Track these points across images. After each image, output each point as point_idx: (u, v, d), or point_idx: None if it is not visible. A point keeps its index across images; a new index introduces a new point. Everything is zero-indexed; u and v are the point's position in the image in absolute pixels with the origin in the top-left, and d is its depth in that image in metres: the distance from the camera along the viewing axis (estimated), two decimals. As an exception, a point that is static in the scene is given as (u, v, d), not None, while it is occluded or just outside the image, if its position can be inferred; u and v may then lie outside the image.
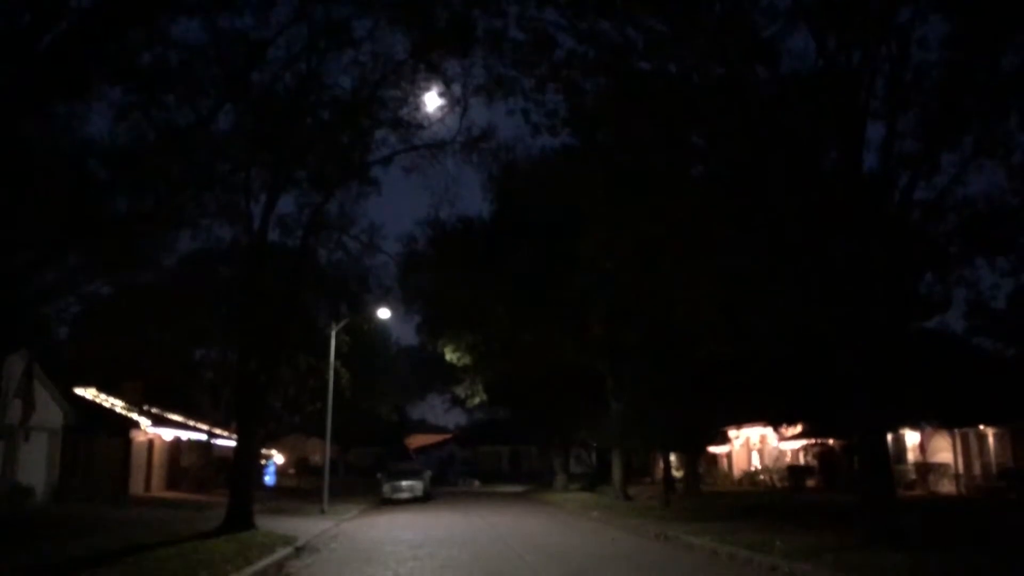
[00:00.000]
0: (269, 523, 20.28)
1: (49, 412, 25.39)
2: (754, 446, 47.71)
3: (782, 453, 43.67)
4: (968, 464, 32.29)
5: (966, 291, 22.07)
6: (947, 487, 31.89)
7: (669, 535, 19.73)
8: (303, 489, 42.24)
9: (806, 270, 16.80)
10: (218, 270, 32.55)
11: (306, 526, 21.57)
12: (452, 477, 63.82)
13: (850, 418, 17.71)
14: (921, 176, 16.56)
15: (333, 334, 28.75)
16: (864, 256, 16.15)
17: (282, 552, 15.69)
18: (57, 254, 20.30)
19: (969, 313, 34.09)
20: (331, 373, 29.00)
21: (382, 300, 31.64)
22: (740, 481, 45.63)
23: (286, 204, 68.71)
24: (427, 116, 21.17)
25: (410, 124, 21.23)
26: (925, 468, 33.34)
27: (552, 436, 48.47)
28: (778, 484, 40.12)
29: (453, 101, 20.91)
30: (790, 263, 17.09)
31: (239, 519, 18.93)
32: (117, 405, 32.76)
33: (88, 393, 32.38)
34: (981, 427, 31.63)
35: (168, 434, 35.22)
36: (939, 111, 16.27)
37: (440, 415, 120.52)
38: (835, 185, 16.52)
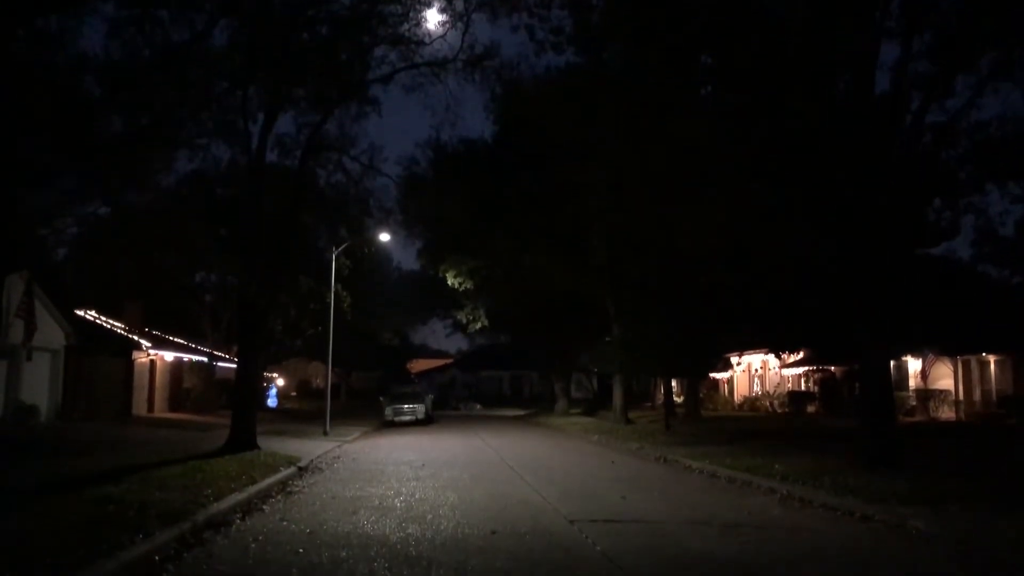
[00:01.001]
0: (272, 444, 20.41)
1: (51, 332, 25.42)
2: (755, 372, 47.97)
3: (783, 379, 43.91)
4: (969, 391, 32.44)
5: (974, 218, 21.84)
6: (947, 413, 32.10)
7: (669, 458, 19.86)
8: (305, 412, 42.62)
9: (814, 195, 16.51)
10: (216, 192, 32.21)
11: (309, 447, 21.72)
12: (453, 401, 64.39)
13: (852, 345, 17.64)
14: (934, 99, 16.14)
15: (333, 257, 28.57)
16: (873, 181, 15.84)
17: (286, 472, 15.78)
18: (52, 175, 20.01)
19: (976, 240, 33.83)
20: (332, 296, 28.92)
21: (382, 224, 31.35)
22: (741, 406, 46.01)
23: (284, 124, 68.05)
24: (428, 33, 20.57)
25: (410, 41, 20.64)
26: (926, 395, 33.50)
27: (553, 361, 48.70)
28: (779, 410, 40.42)
29: (455, 17, 20.32)
30: (798, 187, 16.79)
31: (242, 440, 19.03)
32: (118, 327, 32.83)
33: (89, 314, 32.41)
34: (983, 355, 31.68)
35: (169, 356, 35.39)
36: (956, 31, 15.75)
37: (441, 340, 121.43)
38: (847, 108, 16.11)
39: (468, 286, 38.65)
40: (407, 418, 37.64)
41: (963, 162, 18.32)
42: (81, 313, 31.38)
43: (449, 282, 38.90)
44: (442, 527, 10.02)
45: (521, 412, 52.76)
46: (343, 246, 29.42)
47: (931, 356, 33.61)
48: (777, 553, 8.64)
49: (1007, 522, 9.61)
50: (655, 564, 7.96)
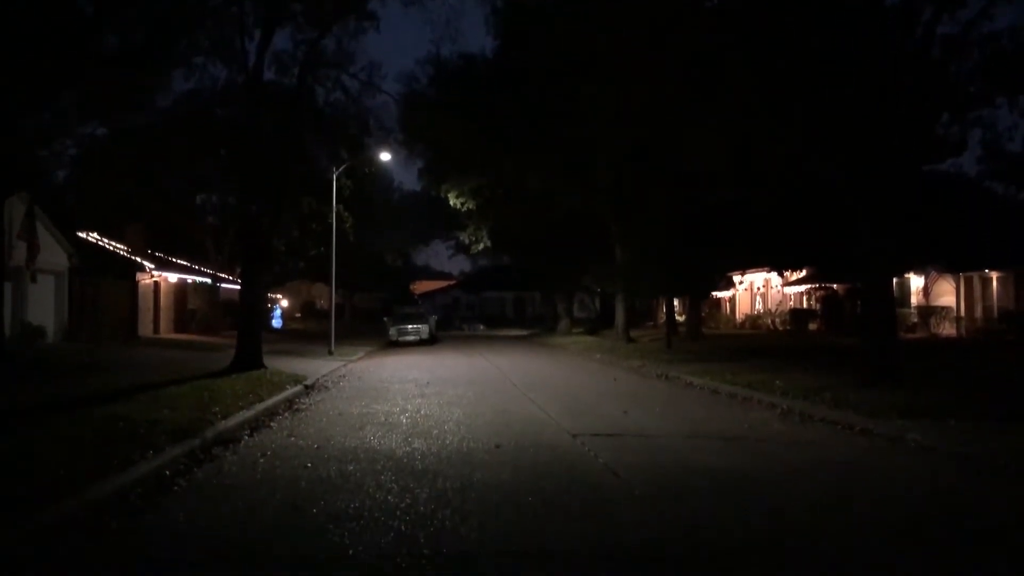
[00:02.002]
0: (277, 364, 20.61)
1: (53, 254, 25.42)
2: (758, 290, 48.08)
3: (785, 297, 44.03)
4: (970, 307, 32.55)
5: (983, 132, 21.49)
6: (948, 330, 32.28)
7: (670, 375, 20.06)
8: (310, 332, 42.95)
9: (822, 109, 16.25)
10: (215, 111, 31.79)
11: (314, 367, 21.94)
12: (457, 322, 64.84)
13: (856, 262, 17.62)
14: (945, 9, 15.75)
15: (334, 177, 28.37)
16: (882, 95, 15.57)
17: (292, 390, 15.96)
18: (48, 95, 19.71)
19: (984, 156, 33.49)
20: (333, 217, 28.82)
21: (383, 143, 31.04)
22: (743, 325, 46.27)
23: (282, 41, 66.71)
24: (426, -58, 19.98)
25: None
26: (927, 311, 33.64)
27: (556, 282, 48.81)
28: (780, 327, 40.63)
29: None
30: (806, 101, 16.51)
31: (248, 359, 19.22)
32: (121, 249, 32.84)
33: (91, 237, 32.39)
34: (986, 271, 31.68)
35: (173, 277, 35.49)
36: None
37: (444, 261, 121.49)
38: (857, 19, 15.73)
39: (470, 206, 38.48)
40: (411, 338, 37.93)
41: (973, 75, 17.95)
42: (83, 235, 31.36)
43: (451, 202, 38.71)
44: (447, 442, 10.17)
45: (524, 332, 53.16)
46: (343, 166, 29.18)
47: (934, 273, 33.63)
48: (776, 465, 8.78)
49: (1005, 434, 9.74)
50: (656, 476, 8.09)
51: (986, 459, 8.75)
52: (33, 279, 23.16)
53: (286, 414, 13.20)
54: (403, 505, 6.86)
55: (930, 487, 7.89)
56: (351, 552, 5.56)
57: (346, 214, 29.83)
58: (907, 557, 5.57)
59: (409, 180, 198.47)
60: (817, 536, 6.08)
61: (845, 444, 10.24)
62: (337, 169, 28.72)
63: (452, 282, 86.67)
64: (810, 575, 5.16)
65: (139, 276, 31.36)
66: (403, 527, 6.18)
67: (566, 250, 41.59)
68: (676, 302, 38.39)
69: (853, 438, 10.66)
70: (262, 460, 9.04)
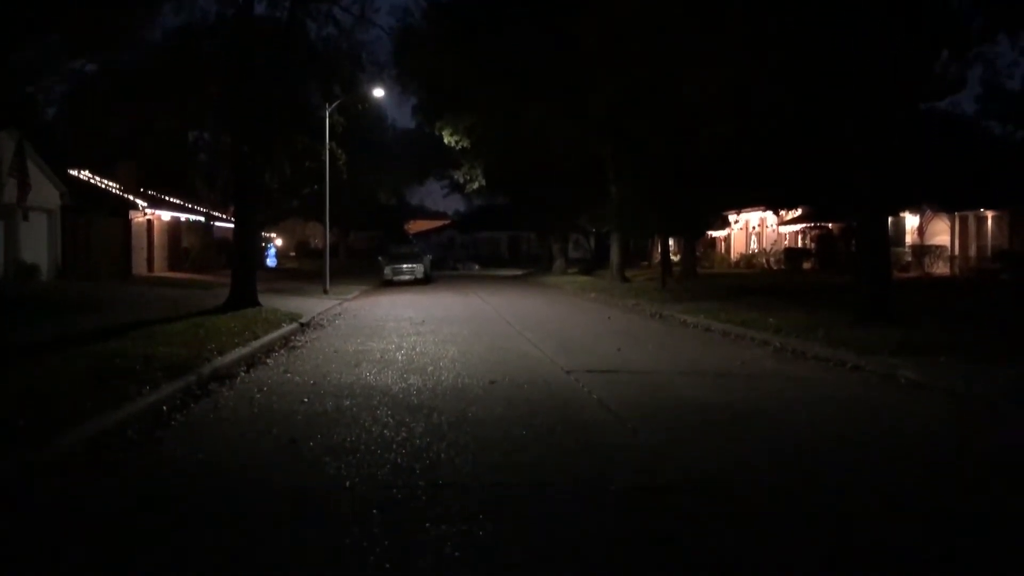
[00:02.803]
0: (273, 302, 20.63)
1: (45, 192, 25.23)
2: (753, 230, 48.04)
3: (780, 236, 44.04)
4: (964, 247, 32.62)
5: (982, 70, 21.25)
6: (942, 269, 32.38)
7: (664, 314, 20.14)
8: (304, 271, 42.92)
9: (820, 45, 16.03)
10: (205, 47, 31.19)
11: (309, 305, 21.98)
12: (451, 262, 64.76)
13: (851, 200, 17.56)
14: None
15: (327, 114, 28.03)
16: (881, 30, 15.34)
17: (288, 328, 16.00)
18: (35, 31, 19.33)
19: (982, 95, 33.21)
20: (327, 154, 28.55)
21: (376, 79, 30.60)
22: (737, 264, 46.32)
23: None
24: None
25: None
26: (922, 250, 33.70)
27: (551, 222, 48.66)
28: (775, 267, 40.70)
29: None
30: (804, 36, 16.28)
31: (243, 297, 19.21)
32: (113, 187, 32.60)
33: (83, 174, 32.11)
34: (981, 210, 31.67)
35: (166, 215, 35.35)
36: None
37: (439, 201, 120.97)
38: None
39: (465, 144, 38.08)
40: (406, 277, 37.93)
41: (974, 10, 17.68)
42: (75, 173, 31.08)
43: (446, 140, 38.30)
44: (443, 378, 10.24)
45: (519, 272, 53.16)
46: (336, 103, 28.80)
47: (929, 212, 33.61)
48: (768, 400, 8.87)
49: (996, 372, 9.83)
50: (649, 411, 8.17)
51: (977, 395, 8.85)
52: (25, 217, 23.04)
53: (282, 351, 13.26)
54: (399, 439, 6.93)
55: (920, 422, 7.98)
56: (348, 484, 5.63)
57: (340, 151, 29.47)
58: (894, 488, 5.65)
59: (403, 118, 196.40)
60: (807, 468, 6.16)
61: (837, 381, 10.33)
62: (330, 106, 28.36)
63: (447, 222, 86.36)
64: (799, 506, 5.23)
65: (132, 214, 31.20)
66: (399, 460, 6.25)
67: (562, 189, 41.36)
68: (671, 242, 38.39)
69: (845, 375, 10.76)
70: (258, 396, 9.11)
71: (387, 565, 4.16)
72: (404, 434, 7.10)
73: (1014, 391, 8.76)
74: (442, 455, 6.38)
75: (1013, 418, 8.13)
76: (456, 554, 4.32)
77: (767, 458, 6.41)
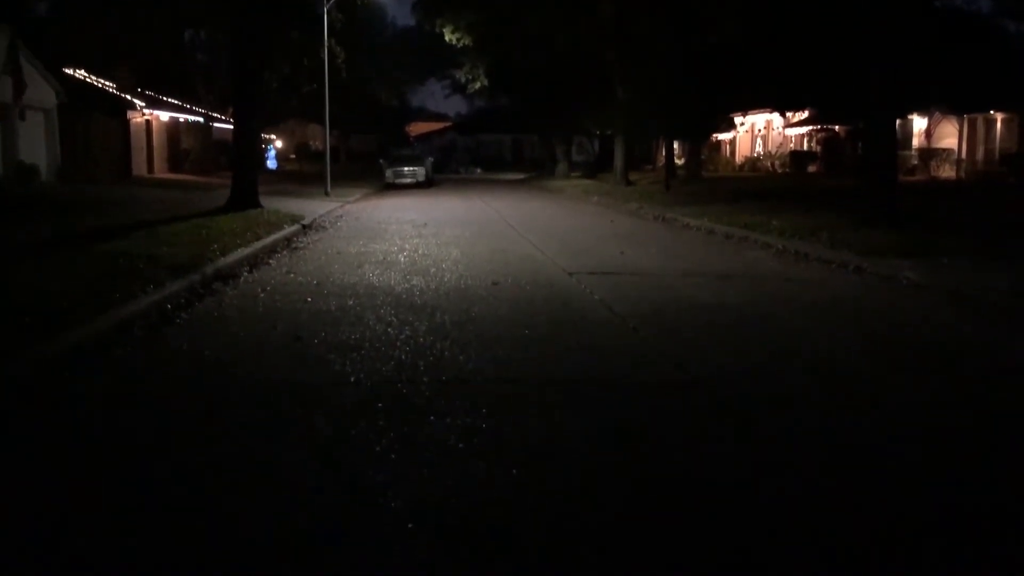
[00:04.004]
0: (274, 204, 20.52)
1: (40, 91, 24.78)
2: (759, 133, 47.48)
3: (786, 139, 43.53)
4: (972, 150, 32.27)
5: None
6: (948, 172, 32.10)
7: (668, 217, 20.08)
8: (305, 174, 42.61)
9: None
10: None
11: (311, 207, 21.89)
12: (453, 165, 64.20)
13: (859, 101, 17.27)
14: None
15: (325, 10, 27.34)
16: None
17: (290, 229, 15.98)
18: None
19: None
20: (325, 52, 27.95)
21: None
22: (742, 167, 45.94)
23: None
24: None
25: None
26: (928, 154, 33.34)
27: (555, 124, 47.95)
28: (779, 170, 40.38)
29: None
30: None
31: (244, 199, 19.11)
32: (110, 86, 32.05)
33: (79, 74, 31.52)
34: (991, 112, 31.18)
35: (165, 116, 34.88)
36: None
37: (440, 102, 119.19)
38: None
39: (466, 42, 37.20)
40: (407, 180, 37.65)
41: None
42: (70, 72, 30.50)
43: (447, 38, 37.38)
44: (445, 279, 10.27)
45: (521, 176, 52.79)
46: (334, -1, 28.07)
47: (938, 115, 33.11)
48: (769, 300, 8.91)
49: (998, 274, 9.83)
50: (651, 311, 8.21)
51: (977, 296, 8.87)
52: (21, 116, 22.72)
53: (284, 252, 13.27)
54: (403, 337, 6.99)
55: (919, 321, 8.03)
56: (353, 379, 5.70)
57: (339, 49, 28.83)
58: (891, 386, 5.73)
59: (403, 15, 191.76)
60: (805, 366, 6.23)
61: (839, 282, 10.36)
62: (328, 1, 27.64)
63: (448, 124, 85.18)
64: (796, 404, 5.30)
65: (130, 114, 30.77)
66: (403, 356, 6.32)
67: (566, 91, 40.57)
68: (675, 145, 37.94)
69: (847, 276, 10.78)
70: (262, 295, 9.15)
71: (392, 456, 4.25)
72: (407, 332, 7.16)
73: (1016, 293, 8.78)
74: (446, 353, 6.45)
75: (1016, 319, 8.17)
76: (460, 446, 4.40)
77: (767, 357, 6.48)
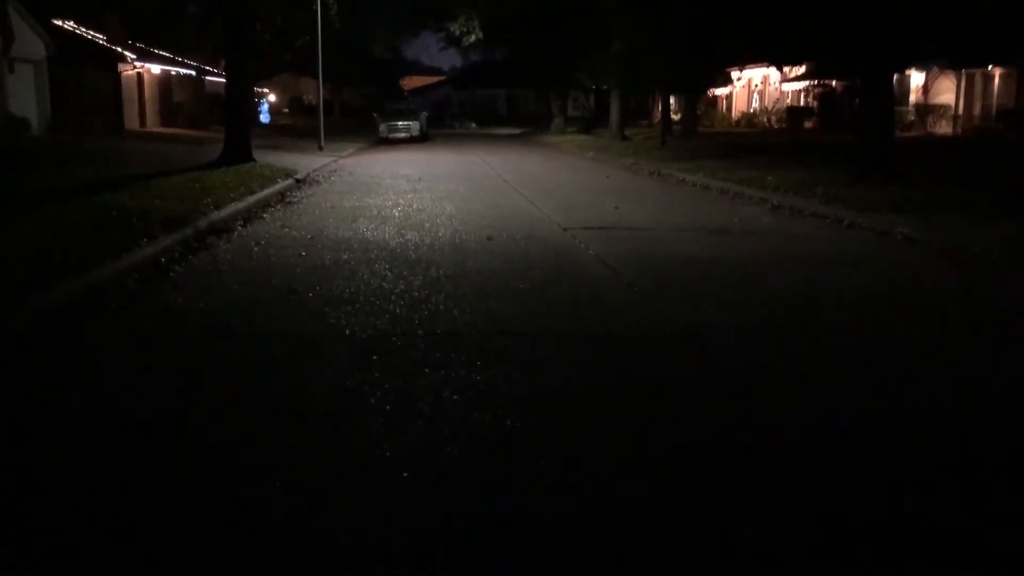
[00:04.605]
0: (267, 158, 20.39)
1: (29, 42, 24.41)
2: (755, 88, 47.12)
3: (782, 95, 43.24)
4: (969, 106, 32.07)
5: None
6: (944, 128, 31.96)
7: (663, 172, 20.02)
8: (298, 128, 42.25)
9: None
10: None
11: (304, 162, 21.75)
12: (448, 119, 63.66)
13: (857, 55, 17.11)
14: None
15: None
16: None
17: (283, 183, 15.89)
18: None
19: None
20: (318, 3, 27.55)
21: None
22: (738, 123, 45.67)
23: None
24: None
25: None
26: (925, 110, 33.16)
27: (550, 78, 47.47)
28: (776, 126, 40.18)
29: None
30: None
31: (237, 153, 18.96)
32: (100, 38, 31.60)
33: (68, 25, 31.05)
34: (989, 68, 30.93)
35: (156, 68, 34.45)
36: None
37: (435, 56, 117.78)
38: None
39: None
40: (402, 135, 37.39)
41: None
42: (59, 23, 30.04)
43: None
44: (440, 234, 10.25)
45: (517, 131, 52.41)
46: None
47: (936, 69, 32.84)
48: (763, 255, 8.93)
49: (992, 229, 9.85)
50: (645, 266, 8.23)
51: (971, 252, 8.90)
52: (10, 69, 22.42)
53: (278, 206, 13.23)
54: (397, 291, 7.00)
55: (912, 276, 8.06)
56: (348, 332, 5.72)
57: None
58: (885, 338, 5.77)
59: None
60: (799, 321, 6.26)
61: (833, 237, 10.38)
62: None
63: (443, 78, 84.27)
64: (790, 358, 5.34)
65: (121, 67, 30.39)
66: (398, 310, 6.34)
67: (562, 44, 40.12)
68: (672, 100, 37.64)
69: (841, 231, 10.79)
70: (256, 249, 9.14)
71: (387, 407, 4.28)
72: (402, 287, 7.16)
73: (1007, 247, 8.81)
74: (440, 307, 6.46)
75: (1005, 273, 8.21)
76: (454, 397, 4.44)
77: (759, 310, 6.51)
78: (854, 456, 3.75)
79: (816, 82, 38.66)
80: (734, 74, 46.22)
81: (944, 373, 5.04)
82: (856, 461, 3.69)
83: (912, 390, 4.70)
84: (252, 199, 13.00)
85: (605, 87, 41.00)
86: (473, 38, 42.35)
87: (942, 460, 3.75)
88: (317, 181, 17.91)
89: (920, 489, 3.43)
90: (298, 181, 17.02)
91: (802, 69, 39.96)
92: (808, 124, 38.01)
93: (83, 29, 31.80)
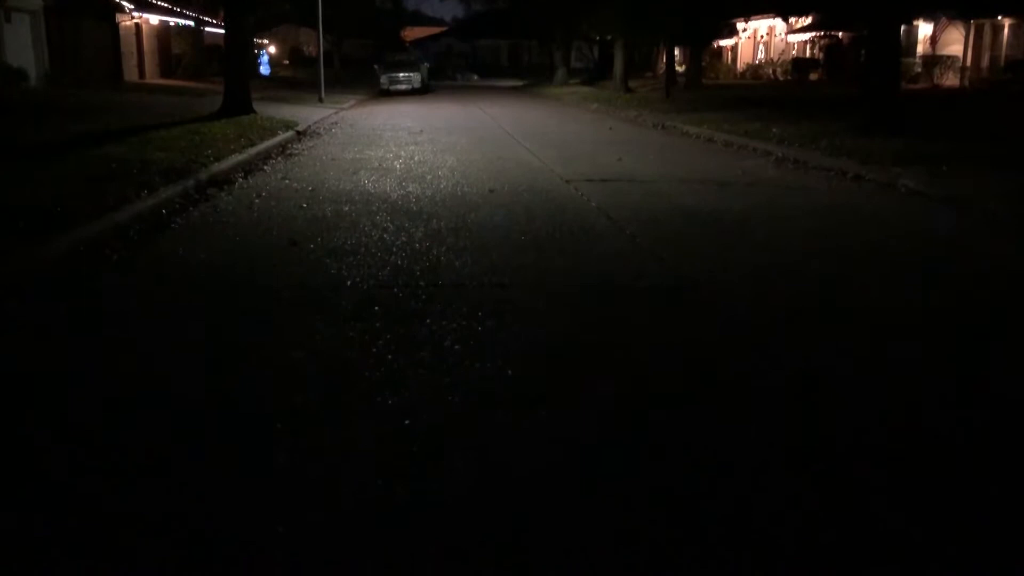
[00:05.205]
0: (267, 110, 20.24)
1: (23, -8, 24.14)
2: (761, 39, 46.58)
3: (788, 46, 42.73)
4: (977, 57, 31.69)
5: None
6: (951, 80, 31.62)
7: (667, 125, 19.86)
8: (298, 80, 41.88)
9: None
10: None
11: (305, 113, 21.60)
12: (450, 71, 63.06)
13: (863, 4, 16.85)
14: None
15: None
16: None
17: (284, 135, 15.79)
18: None
19: None
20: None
21: None
22: (743, 75, 45.22)
23: None
24: None
25: None
26: (932, 61, 32.77)
27: (553, 29, 46.88)
28: (781, 78, 39.78)
29: None
30: None
31: (237, 105, 18.81)
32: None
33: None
34: (999, 18, 30.49)
35: (155, 19, 34.03)
36: None
37: (436, 6, 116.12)
38: None
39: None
40: (403, 87, 37.07)
41: None
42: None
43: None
44: (441, 186, 10.21)
45: (519, 83, 51.94)
46: None
47: (943, 20, 32.39)
48: (766, 207, 8.89)
49: (998, 181, 9.79)
50: (648, 218, 8.20)
51: (976, 205, 8.85)
52: (7, 18, 22.15)
53: (279, 158, 13.16)
54: (399, 243, 6.99)
55: (914, 227, 8.02)
56: (349, 283, 5.72)
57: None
58: (884, 290, 5.76)
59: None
60: (800, 272, 6.24)
61: (837, 189, 10.32)
62: None
63: (444, 29, 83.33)
64: (790, 308, 5.34)
65: (119, 17, 30.03)
66: (399, 262, 6.33)
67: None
68: (676, 52, 37.18)
69: (845, 184, 10.73)
70: (257, 201, 9.11)
71: (389, 356, 4.30)
72: (404, 238, 7.15)
73: (1012, 200, 8.75)
74: (442, 258, 6.45)
75: (1009, 225, 8.17)
76: (456, 347, 4.45)
77: (762, 262, 6.49)
78: (843, 389, 3.77)
79: (822, 33, 38.16)
80: (739, 25, 45.63)
81: (939, 321, 5.04)
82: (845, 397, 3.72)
83: (902, 338, 4.71)
84: (252, 151, 12.92)
85: (609, 38, 40.51)
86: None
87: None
88: (318, 133, 17.79)
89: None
90: (299, 133, 16.91)
91: (808, 20, 39.43)
92: (814, 76, 37.63)
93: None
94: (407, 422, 3.51)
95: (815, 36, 39.44)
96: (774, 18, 41.73)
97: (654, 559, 2.59)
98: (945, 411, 3.74)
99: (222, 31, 23.59)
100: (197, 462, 3.20)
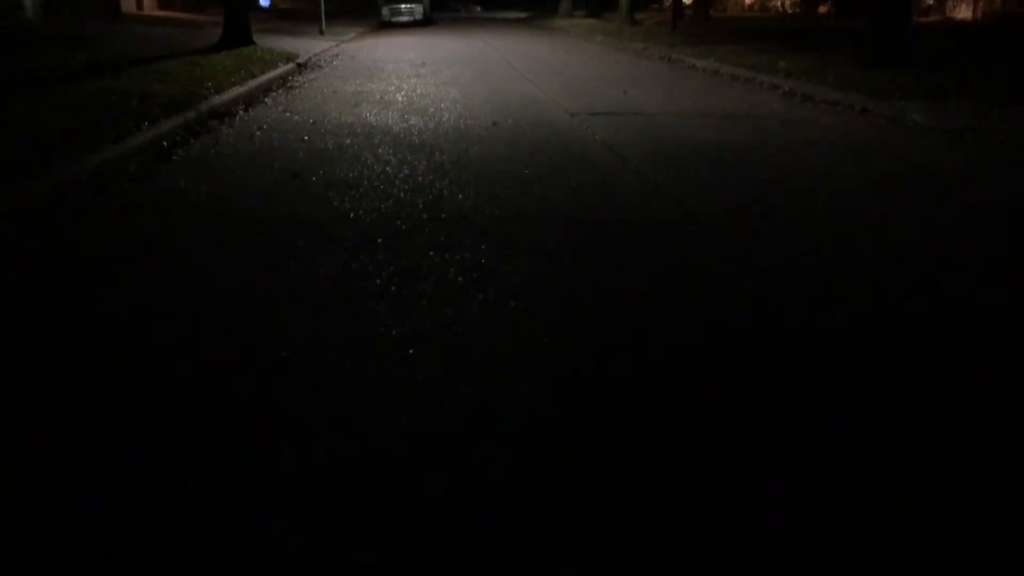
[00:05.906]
0: (268, 42, 19.93)
1: (18, -81, 23.59)
2: (769, -29, 45.53)
3: (797, -22, 41.80)
4: (991, -11, 31.01)
5: None
6: (964, 13, 30.99)
7: (673, 57, 19.57)
8: (298, 12, 41.19)
9: None
10: None
11: (306, 46, 21.27)
12: (453, 3, 62.01)
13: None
14: None
15: None
16: None
17: (284, 68, 15.58)
18: None
19: None
20: None
21: None
22: (751, 7, 44.40)
23: None
24: None
25: None
26: (944, -7, 32.12)
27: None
28: (790, 11, 39.06)
29: None
30: None
31: (237, 36, 18.51)
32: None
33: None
34: (1016, -53, 29.75)
35: (152, -51, 33.33)
36: None
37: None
38: None
39: None
40: (405, 19, 36.51)
41: None
42: None
43: None
44: (444, 119, 10.10)
45: (524, 15, 51.10)
46: None
47: (959, -50, 31.66)
48: (772, 140, 8.80)
49: (1006, 115, 9.66)
50: (652, 151, 8.13)
51: (983, 138, 8.76)
52: (0, -52, 21.69)
53: (280, 91, 13.00)
54: (401, 176, 6.95)
55: (919, 161, 7.94)
56: (352, 215, 5.70)
57: None
58: (887, 222, 5.73)
59: None
60: (805, 206, 6.20)
61: (843, 123, 10.20)
62: None
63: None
64: (793, 243, 5.32)
65: (114, -54, 29.37)
66: (402, 194, 6.30)
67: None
68: (684, -18, 36.45)
69: (852, 117, 10.60)
70: (258, 133, 9.03)
71: (392, 288, 4.31)
72: (406, 171, 7.10)
73: (1019, 134, 8.65)
74: (444, 191, 6.42)
75: (1013, 158, 8.09)
76: (459, 279, 4.45)
77: (766, 195, 6.45)
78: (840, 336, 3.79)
79: (833, -37, 37.32)
80: (749, -45, 44.63)
81: (939, 253, 5.02)
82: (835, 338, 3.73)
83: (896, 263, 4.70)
84: (253, 83, 12.75)
85: (615, -31, 39.69)
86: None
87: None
88: (319, 65, 17.56)
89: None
90: (299, 65, 16.68)
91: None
92: (823, 9, 36.94)
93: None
94: (411, 351, 3.53)
95: (825, -33, 38.61)
96: (784, -53, 40.81)
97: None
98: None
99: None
100: (193, 398, 3.23)
